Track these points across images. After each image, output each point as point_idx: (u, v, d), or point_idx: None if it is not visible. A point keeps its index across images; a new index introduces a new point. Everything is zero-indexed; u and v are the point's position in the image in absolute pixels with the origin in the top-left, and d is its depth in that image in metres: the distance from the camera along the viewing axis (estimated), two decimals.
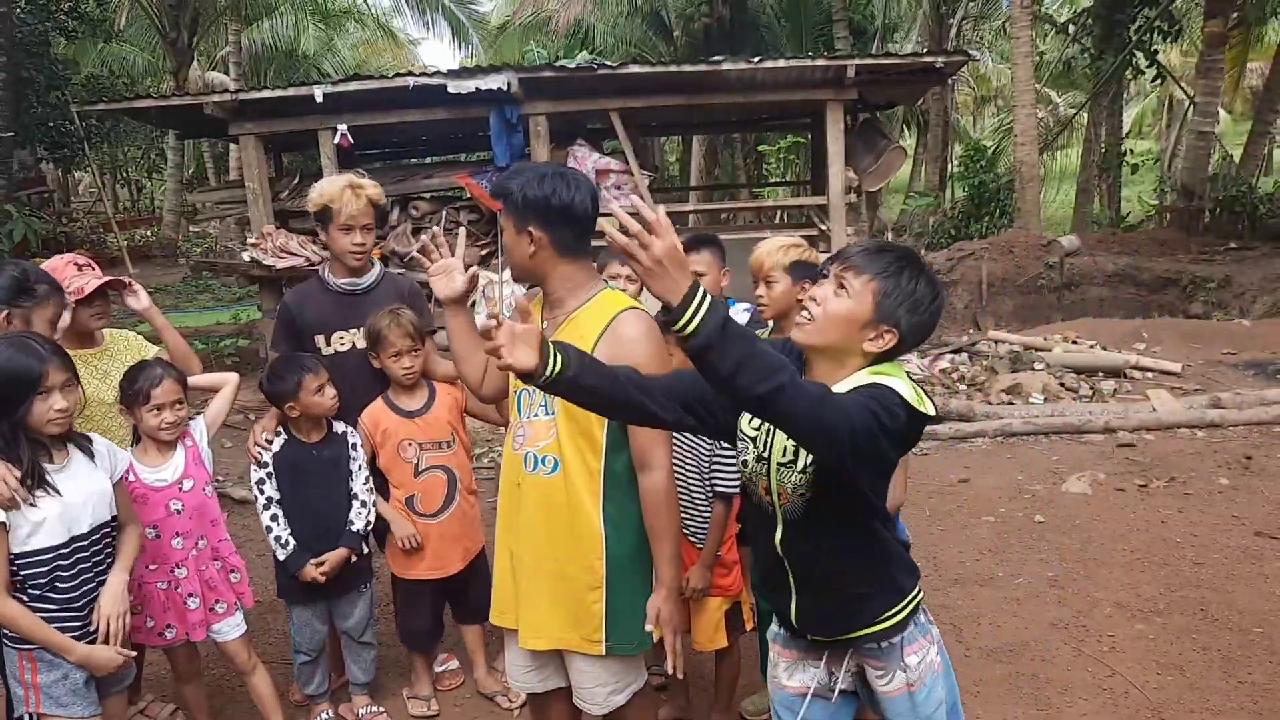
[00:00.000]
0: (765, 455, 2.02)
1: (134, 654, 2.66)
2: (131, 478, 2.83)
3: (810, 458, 1.93)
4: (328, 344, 3.38)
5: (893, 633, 2.08)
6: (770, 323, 3.21)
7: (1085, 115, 19.36)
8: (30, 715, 2.54)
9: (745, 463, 2.09)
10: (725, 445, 2.92)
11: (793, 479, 1.98)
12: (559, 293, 2.42)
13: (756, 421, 2.04)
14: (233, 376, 3.34)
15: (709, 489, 3.03)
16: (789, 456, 1.98)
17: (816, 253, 3.21)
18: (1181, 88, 21.92)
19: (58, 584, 2.50)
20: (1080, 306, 11.44)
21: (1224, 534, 4.88)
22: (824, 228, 9.04)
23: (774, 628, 2.28)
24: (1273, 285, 11.33)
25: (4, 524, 2.40)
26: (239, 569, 3.20)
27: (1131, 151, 20.23)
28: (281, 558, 3.24)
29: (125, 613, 2.58)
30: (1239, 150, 18.52)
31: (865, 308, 1.90)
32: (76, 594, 2.54)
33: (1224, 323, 10.22)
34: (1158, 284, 12.01)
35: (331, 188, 3.30)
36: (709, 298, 1.63)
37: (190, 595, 3.05)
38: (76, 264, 3.14)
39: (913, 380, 1.91)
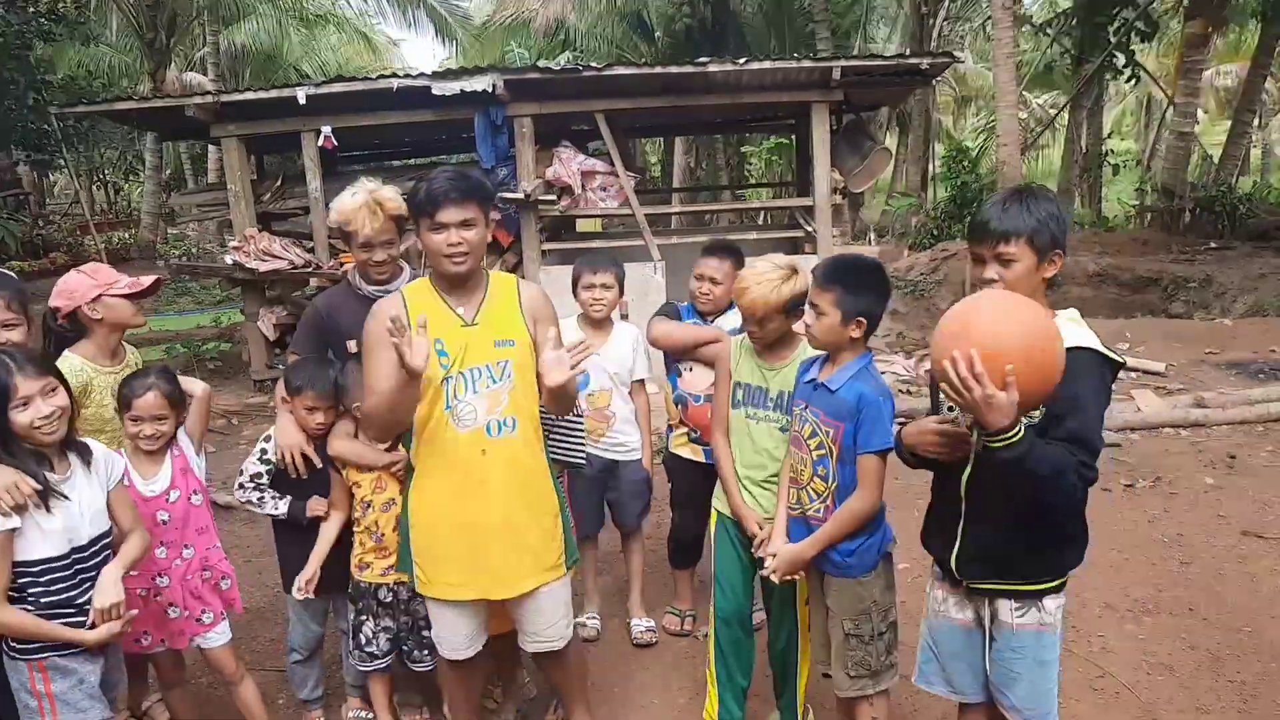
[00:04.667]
0: None
1: (135, 613, 2.61)
2: (127, 482, 2.80)
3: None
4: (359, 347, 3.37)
5: (1038, 595, 2.34)
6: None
7: (1066, 116, 19.49)
8: None
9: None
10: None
11: None
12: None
13: None
14: (200, 386, 3.24)
15: None
16: None
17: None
18: (1161, 88, 22.10)
19: (60, 594, 2.46)
20: (1062, 306, 11.19)
21: (1210, 533, 4.92)
22: (809, 229, 9.04)
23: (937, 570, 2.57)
24: (1253, 285, 11.43)
25: (13, 530, 2.36)
26: (229, 575, 3.17)
27: (1112, 152, 20.37)
28: (283, 511, 3.21)
29: (120, 603, 2.50)
30: (1215, 149, 18.68)
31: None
32: (83, 602, 2.49)
33: (1206, 322, 10.28)
34: (1139, 284, 12.10)
35: (349, 206, 3.18)
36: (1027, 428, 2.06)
37: (170, 605, 3.02)
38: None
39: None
